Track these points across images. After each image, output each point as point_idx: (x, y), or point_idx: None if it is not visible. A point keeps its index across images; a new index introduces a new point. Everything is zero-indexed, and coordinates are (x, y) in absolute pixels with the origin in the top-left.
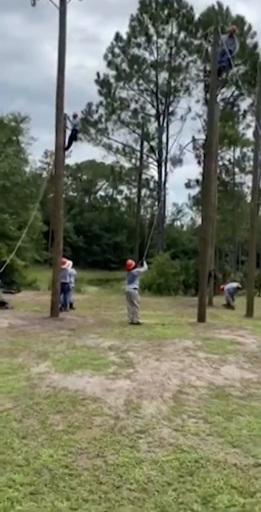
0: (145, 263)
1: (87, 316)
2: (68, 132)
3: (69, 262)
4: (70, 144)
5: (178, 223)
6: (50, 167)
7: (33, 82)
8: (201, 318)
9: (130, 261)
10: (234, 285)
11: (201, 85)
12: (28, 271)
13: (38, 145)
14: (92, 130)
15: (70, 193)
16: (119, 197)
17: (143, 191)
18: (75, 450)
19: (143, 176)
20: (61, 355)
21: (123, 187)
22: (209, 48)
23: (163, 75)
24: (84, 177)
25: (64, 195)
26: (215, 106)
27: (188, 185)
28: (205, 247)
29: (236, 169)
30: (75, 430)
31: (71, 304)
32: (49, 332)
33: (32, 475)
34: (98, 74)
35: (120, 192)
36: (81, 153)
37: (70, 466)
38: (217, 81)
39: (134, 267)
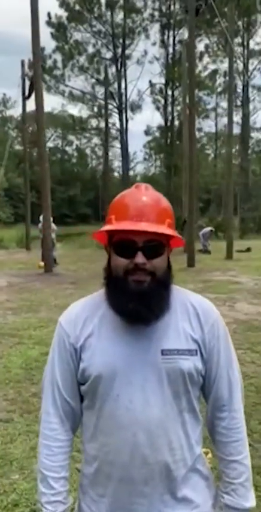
0: None
1: (77, 270)
2: (27, 81)
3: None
4: (31, 92)
5: (131, 173)
6: None
7: None
8: (191, 263)
9: None
10: (208, 229)
11: (156, 26)
12: None
13: None
14: (47, 78)
15: (17, 146)
16: (68, 148)
17: (95, 140)
18: None
19: (102, 124)
20: None
21: (73, 138)
22: None
23: (120, 16)
24: (30, 128)
25: (10, 149)
26: (184, 47)
27: (147, 132)
28: (191, 197)
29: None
30: None
31: (55, 260)
32: (52, 287)
33: None
34: (49, 15)
35: (70, 143)
36: (29, 102)
37: None
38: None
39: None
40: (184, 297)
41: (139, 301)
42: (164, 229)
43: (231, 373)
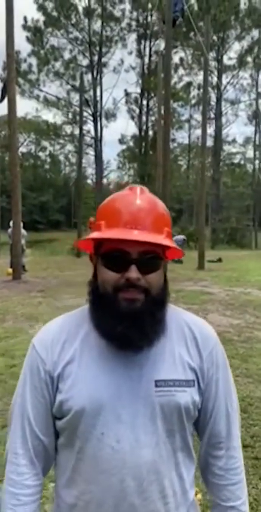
0: None
1: (47, 277)
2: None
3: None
4: (3, 96)
5: (105, 180)
6: None
7: None
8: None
9: None
10: (181, 237)
11: (133, 36)
12: None
13: None
14: (21, 81)
15: None
16: (41, 154)
17: (68, 147)
18: None
19: (76, 131)
20: (50, 316)
21: (46, 144)
22: None
23: (98, 24)
24: (3, 132)
25: None
26: (160, 58)
27: (121, 141)
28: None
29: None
30: None
31: (24, 267)
32: (20, 295)
33: None
34: (25, 19)
35: (43, 148)
36: (2, 106)
37: None
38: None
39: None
40: (178, 317)
41: (130, 324)
42: (163, 239)
43: (229, 407)
